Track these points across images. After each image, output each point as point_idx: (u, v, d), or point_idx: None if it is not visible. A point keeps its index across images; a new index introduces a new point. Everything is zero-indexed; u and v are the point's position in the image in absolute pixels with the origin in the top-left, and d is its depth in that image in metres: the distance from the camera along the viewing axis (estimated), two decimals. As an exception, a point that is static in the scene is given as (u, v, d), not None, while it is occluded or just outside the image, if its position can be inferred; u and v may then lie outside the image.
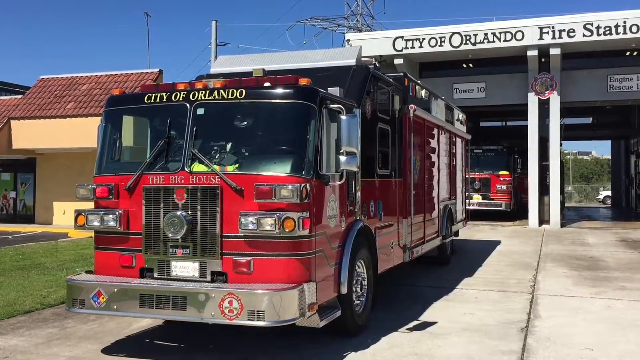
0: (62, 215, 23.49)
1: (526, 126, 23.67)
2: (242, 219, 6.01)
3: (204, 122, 6.49)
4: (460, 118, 14.92)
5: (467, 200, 16.05)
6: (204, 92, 6.54)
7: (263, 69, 6.88)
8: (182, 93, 6.61)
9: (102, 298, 6.29)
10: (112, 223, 6.53)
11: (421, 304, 9.03)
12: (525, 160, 24.13)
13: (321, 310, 6.49)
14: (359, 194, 7.45)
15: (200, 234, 6.23)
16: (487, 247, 16.10)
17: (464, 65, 25.32)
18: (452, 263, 13.19)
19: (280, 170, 6.19)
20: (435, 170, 11.87)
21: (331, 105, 6.57)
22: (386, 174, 8.84)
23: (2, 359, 6.49)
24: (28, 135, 23.23)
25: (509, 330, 7.65)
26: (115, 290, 6.27)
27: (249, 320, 5.79)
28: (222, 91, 6.46)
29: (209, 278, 6.23)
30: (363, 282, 7.55)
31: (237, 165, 6.32)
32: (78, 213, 6.70)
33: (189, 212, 6.25)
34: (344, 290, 6.82)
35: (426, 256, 11.75)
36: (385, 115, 8.83)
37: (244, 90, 6.41)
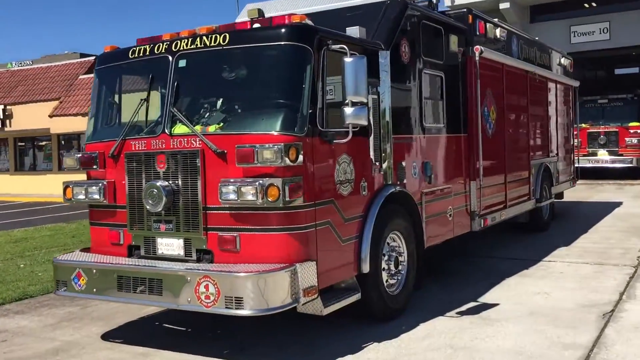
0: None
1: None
2: (222, 188, 5.05)
3: (186, 76, 5.57)
4: (562, 62, 12.86)
5: (576, 158, 14.01)
6: (186, 40, 5.58)
7: (258, 9, 5.79)
8: (165, 44, 5.70)
9: (82, 280, 5.61)
10: (96, 196, 5.82)
11: (488, 281, 7.66)
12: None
13: (332, 293, 5.48)
14: (390, 153, 6.23)
15: (183, 206, 5.36)
16: (603, 210, 13.98)
17: (585, 5, 22.41)
18: (550, 229, 11.43)
19: (269, 127, 5.13)
20: (522, 123, 10.21)
21: (333, 46, 5.37)
22: (437, 128, 7.47)
23: (0, 342, 6.10)
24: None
25: (587, 315, 6.16)
26: (94, 271, 5.57)
27: (226, 308, 4.86)
28: (204, 38, 5.47)
29: (194, 257, 5.37)
30: (399, 257, 6.35)
31: (220, 124, 5.35)
32: (66, 185, 6.06)
33: (170, 181, 5.39)
34: (366, 268, 5.71)
35: (515, 222, 10.28)
36: (435, 59, 7.40)
37: (227, 35, 5.38)
